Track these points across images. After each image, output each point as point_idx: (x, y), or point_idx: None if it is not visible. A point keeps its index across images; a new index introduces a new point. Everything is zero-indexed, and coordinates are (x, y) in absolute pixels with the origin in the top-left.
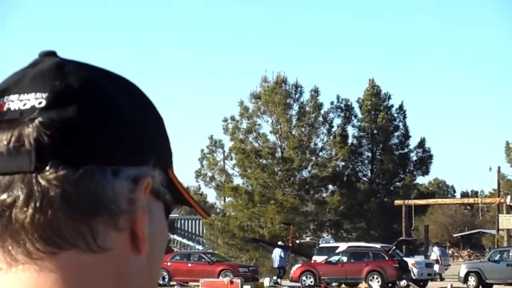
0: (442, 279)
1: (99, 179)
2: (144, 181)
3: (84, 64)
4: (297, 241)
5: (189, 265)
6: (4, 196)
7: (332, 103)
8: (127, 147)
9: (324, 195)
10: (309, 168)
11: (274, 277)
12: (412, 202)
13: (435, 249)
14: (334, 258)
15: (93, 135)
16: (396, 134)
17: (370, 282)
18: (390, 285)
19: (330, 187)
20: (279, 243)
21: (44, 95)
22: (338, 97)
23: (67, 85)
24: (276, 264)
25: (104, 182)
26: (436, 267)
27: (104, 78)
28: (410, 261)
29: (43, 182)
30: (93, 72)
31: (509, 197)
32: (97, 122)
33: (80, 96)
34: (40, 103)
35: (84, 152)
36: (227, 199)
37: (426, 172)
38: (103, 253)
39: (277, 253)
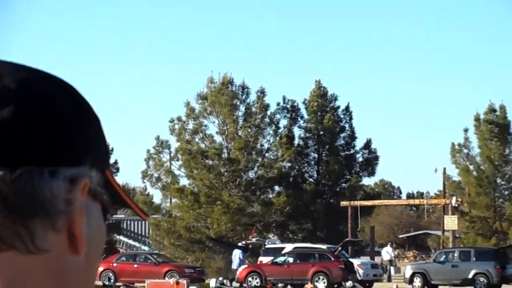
0: (390, 280)
1: (37, 180)
2: (81, 182)
3: (20, 65)
4: (243, 242)
5: (135, 266)
6: None
7: (278, 104)
8: (64, 148)
9: (270, 196)
10: (255, 169)
11: (220, 278)
12: (358, 203)
13: (389, 249)
14: (280, 259)
15: (30, 136)
16: (342, 135)
17: (316, 283)
18: (336, 285)
19: (276, 188)
20: (240, 244)
21: None
22: (284, 98)
23: (3, 86)
24: (235, 265)
25: (41, 183)
26: (392, 269)
27: (40, 79)
28: (355, 262)
29: None
30: (29, 73)
31: (454, 198)
32: (33, 123)
33: (16, 97)
34: None
35: (21, 153)
36: (173, 200)
37: (372, 173)
38: (41, 254)
39: (236, 254)
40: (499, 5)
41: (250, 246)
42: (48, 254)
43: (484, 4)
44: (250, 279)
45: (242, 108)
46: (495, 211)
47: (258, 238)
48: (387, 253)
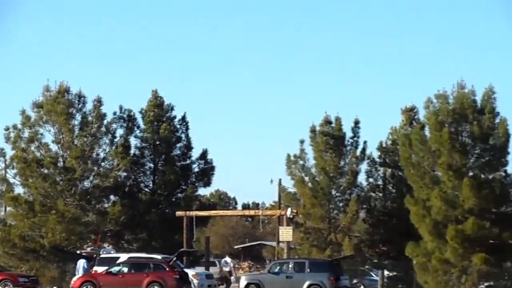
0: None
1: None
2: None
3: None
4: (78, 252)
5: None
6: None
7: (115, 113)
8: None
9: (106, 205)
10: (91, 178)
11: (54, 287)
12: (193, 213)
13: (228, 260)
14: (115, 269)
15: None
16: (178, 145)
17: None
18: None
19: (112, 197)
20: (83, 253)
21: None
22: (121, 108)
23: None
24: (80, 275)
25: None
26: (234, 279)
27: None
28: (190, 272)
29: None
30: None
31: (289, 209)
32: None
33: None
34: None
35: None
36: (8, 209)
37: (208, 184)
38: None
39: (81, 264)
40: (335, 23)
41: (95, 255)
42: None
43: (320, 20)
44: None
45: (79, 117)
46: (329, 222)
47: (93, 247)
48: (226, 263)
